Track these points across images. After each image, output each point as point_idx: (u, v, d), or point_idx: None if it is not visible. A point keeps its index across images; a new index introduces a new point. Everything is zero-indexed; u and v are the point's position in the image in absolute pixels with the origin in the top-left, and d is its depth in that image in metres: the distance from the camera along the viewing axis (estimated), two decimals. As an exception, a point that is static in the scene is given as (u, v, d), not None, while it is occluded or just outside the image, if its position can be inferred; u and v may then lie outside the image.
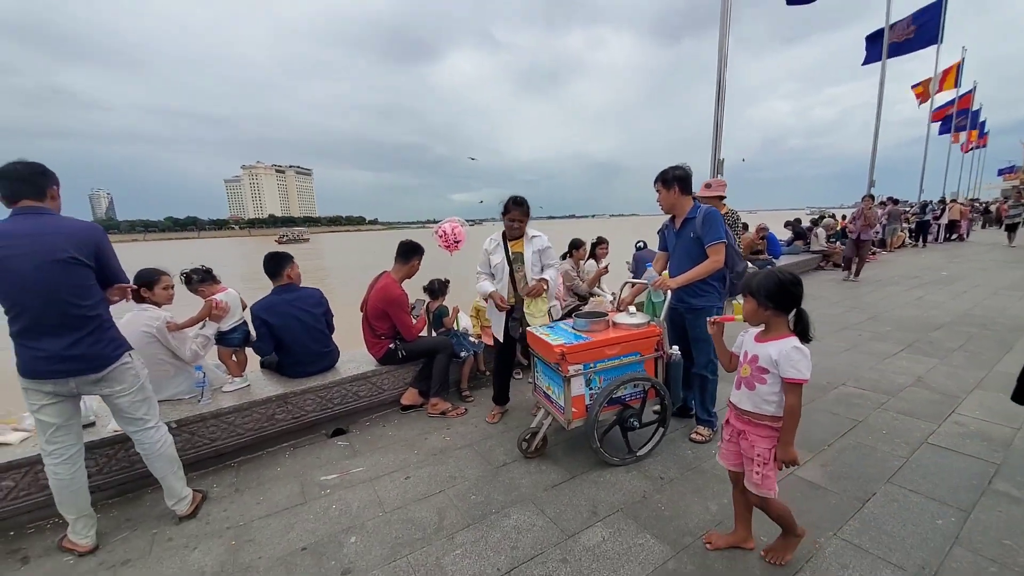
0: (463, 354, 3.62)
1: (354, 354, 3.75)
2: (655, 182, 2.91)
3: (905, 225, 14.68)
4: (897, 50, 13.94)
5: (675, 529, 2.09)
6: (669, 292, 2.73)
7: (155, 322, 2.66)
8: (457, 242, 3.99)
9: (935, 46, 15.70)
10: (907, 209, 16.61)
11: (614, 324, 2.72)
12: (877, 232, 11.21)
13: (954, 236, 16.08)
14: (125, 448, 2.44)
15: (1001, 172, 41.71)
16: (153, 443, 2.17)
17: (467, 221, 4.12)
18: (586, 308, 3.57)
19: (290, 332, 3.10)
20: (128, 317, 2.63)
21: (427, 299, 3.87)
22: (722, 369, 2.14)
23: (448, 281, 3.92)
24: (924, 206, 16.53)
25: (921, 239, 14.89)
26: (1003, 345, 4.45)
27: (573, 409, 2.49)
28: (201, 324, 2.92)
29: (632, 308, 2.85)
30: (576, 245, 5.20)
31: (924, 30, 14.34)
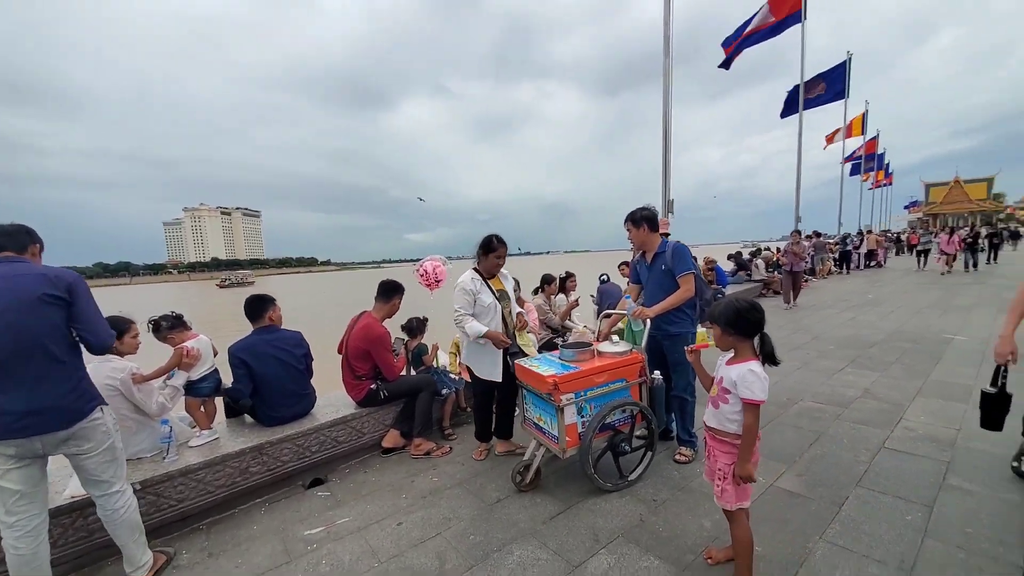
0: (444, 391, 3.59)
1: (330, 398, 3.61)
2: (625, 222, 3.14)
3: (830, 255, 16.22)
4: (810, 104, 15.86)
5: (675, 548, 2.14)
6: (648, 321, 2.89)
7: (119, 374, 2.47)
8: (438, 281, 4.02)
9: (843, 100, 18.15)
10: (830, 240, 18.40)
11: (599, 353, 2.83)
12: (806, 263, 12.34)
13: (873, 263, 17.94)
14: (84, 515, 2.20)
15: (907, 206, 47.50)
16: (117, 509, 1.98)
17: (447, 259, 4.18)
18: (571, 339, 3.65)
19: (269, 373, 2.97)
20: (88, 369, 2.43)
21: (406, 338, 3.83)
22: (701, 391, 2.28)
23: (426, 319, 3.92)
24: (844, 238, 18.45)
25: (845, 267, 16.51)
26: (933, 357, 4.97)
27: (567, 438, 2.53)
28: (168, 374, 2.74)
29: (615, 337, 2.99)
30: (547, 280, 5.37)
31: (832, 87, 16.53)
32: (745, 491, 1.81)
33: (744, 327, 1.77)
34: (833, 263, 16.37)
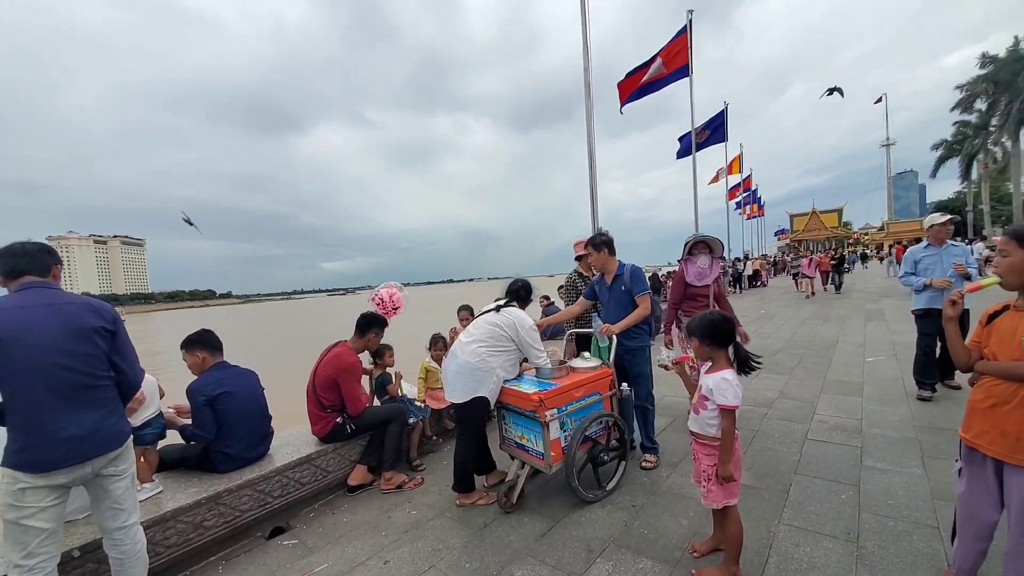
0: (411, 420, 3.49)
1: (285, 436, 3.34)
2: (586, 246, 3.41)
3: (726, 277, 18.46)
4: (699, 147, 18.25)
5: (663, 547, 2.30)
6: (614, 337, 3.13)
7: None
8: (396, 308, 3.95)
9: (724, 143, 21.11)
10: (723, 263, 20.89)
11: (572, 369, 2.99)
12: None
13: (758, 283, 20.64)
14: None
15: (776, 233, 55.28)
16: (136, 541, 1.92)
17: (404, 285, 4.12)
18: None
19: (237, 412, 2.70)
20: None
21: (371, 367, 3.69)
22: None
23: (390, 347, 3.81)
24: (735, 262, 21.10)
25: (738, 286, 18.81)
26: (825, 360, 5.86)
27: (552, 453, 2.62)
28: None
29: (586, 354, 3.18)
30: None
31: (715, 132, 19.19)
32: (731, 490, 1.98)
33: (718, 337, 2.00)
34: (728, 284, 18.59)
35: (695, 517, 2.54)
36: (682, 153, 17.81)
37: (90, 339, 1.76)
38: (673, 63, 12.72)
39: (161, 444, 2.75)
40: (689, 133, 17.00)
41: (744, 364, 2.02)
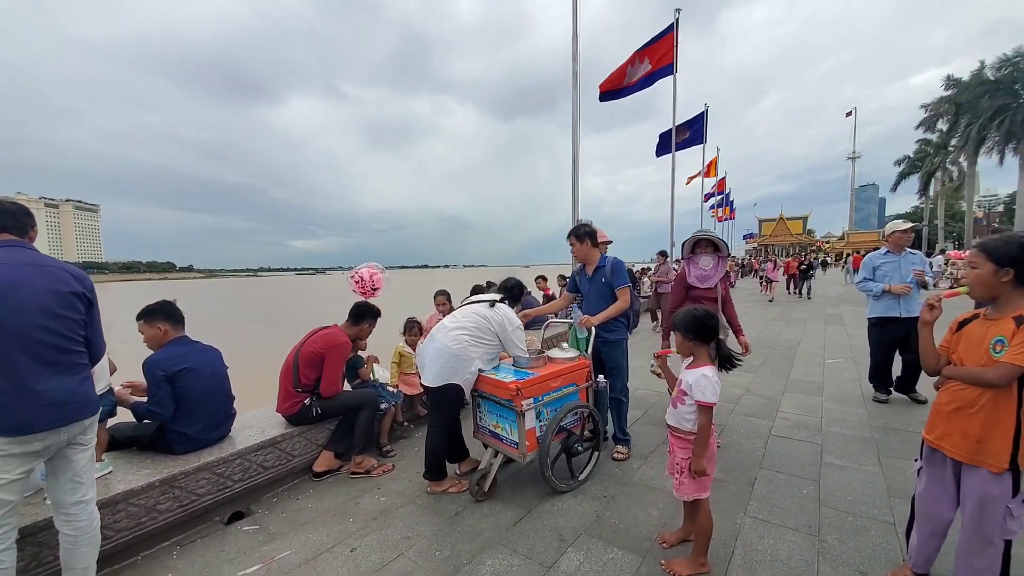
0: (383, 406, 3.40)
1: (248, 417, 3.20)
2: (568, 237, 3.38)
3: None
4: (678, 147, 18.50)
5: (633, 537, 2.32)
6: (593, 328, 3.12)
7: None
8: (375, 289, 3.83)
9: (702, 145, 21.50)
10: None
11: (550, 359, 2.97)
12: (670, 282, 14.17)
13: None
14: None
15: (745, 237, 57.08)
16: (91, 518, 1.83)
17: (385, 267, 4.00)
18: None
19: (200, 390, 2.54)
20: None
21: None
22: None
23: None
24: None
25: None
26: (788, 360, 6.08)
27: (527, 442, 2.60)
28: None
29: (564, 344, 3.16)
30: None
31: (695, 133, 19.50)
32: (703, 483, 2.01)
33: (702, 333, 2.01)
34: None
35: (665, 508, 2.58)
36: (660, 151, 18.06)
37: (72, 304, 1.73)
38: (659, 61, 12.80)
39: (111, 422, 2.57)
40: (669, 131, 17.28)
41: (726, 361, 2.04)
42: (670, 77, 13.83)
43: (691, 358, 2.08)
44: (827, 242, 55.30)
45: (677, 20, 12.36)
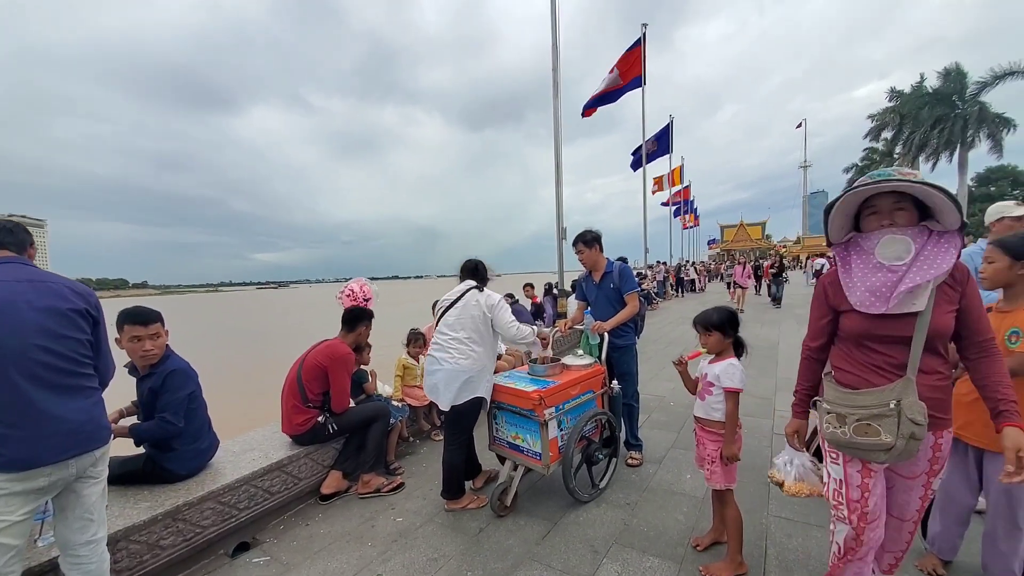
0: (392, 421, 3.28)
1: (243, 441, 3.00)
2: (575, 243, 3.37)
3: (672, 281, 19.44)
4: (650, 159, 19.16)
5: (665, 544, 2.31)
6: (606, 334, 3.12)
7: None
8: (367, 300, 3.71)
9: (668, 155, 22.33)
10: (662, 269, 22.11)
11: (566, 367, 2.94)
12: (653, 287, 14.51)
13: (697, 289, 21.95)
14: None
15: (709, 243, 59.30)
16: (102, 560, 1.69)
17: (372, 279, 3.90)
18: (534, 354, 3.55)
19: (202, 402, 2.37)
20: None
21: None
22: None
23: (369, 344, 3.55)
24: (678, 267, 22.31)
25: (681, 291, 19.90)
26: (772, 359, 6.30)
27: (550, 453, 2.55)
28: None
29: (579, 351, 3.14)
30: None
31: (662, 144, 20.22)
32: (731, 473, 2.11)
33: (735, 328, 2.15)
34: (671, 288, 19.63)
35: (690, 512, 2.58)
36: (636, 165, 18.71)
37: (74, 322, 1.62)
38: (627, 73, 13.23)
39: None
40: (641, 146, 17.87)
41: (740, 347, 2.21)
42: (639, 90, 14.34)
43: (713, 354, 2.20)
44: (784, 246, 58.13)
45: (644, 35, 12.82)
